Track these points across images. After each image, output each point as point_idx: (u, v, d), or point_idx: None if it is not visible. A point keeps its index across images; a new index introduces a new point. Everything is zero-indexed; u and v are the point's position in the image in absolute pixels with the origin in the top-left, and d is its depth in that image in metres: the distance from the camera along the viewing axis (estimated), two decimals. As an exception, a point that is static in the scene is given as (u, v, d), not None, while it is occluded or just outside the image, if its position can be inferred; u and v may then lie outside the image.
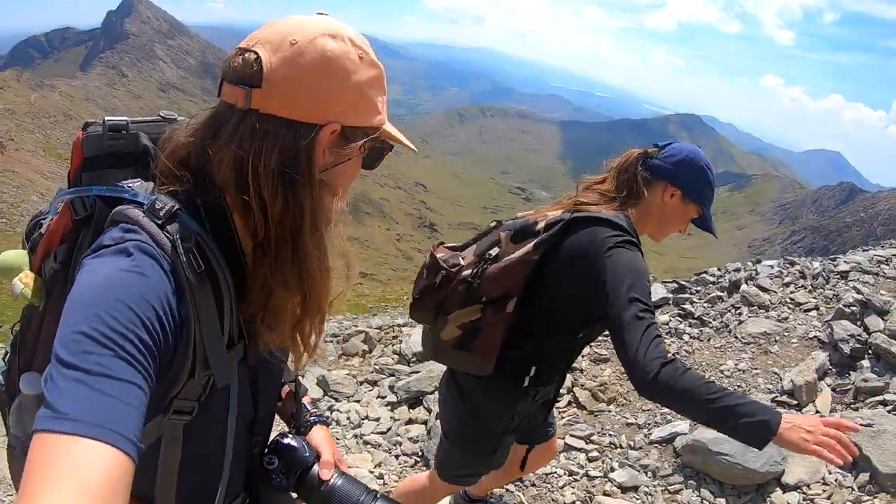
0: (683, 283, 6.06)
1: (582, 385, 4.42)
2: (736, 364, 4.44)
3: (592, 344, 4.74)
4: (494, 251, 1.91)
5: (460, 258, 1.96)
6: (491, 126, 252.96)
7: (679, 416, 3.83)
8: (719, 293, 5.54)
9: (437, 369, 4.44)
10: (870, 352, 4.20)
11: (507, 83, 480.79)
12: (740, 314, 5.12)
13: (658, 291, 5.74)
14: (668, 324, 5.16)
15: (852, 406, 3.85)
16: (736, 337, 4.76)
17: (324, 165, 0.91)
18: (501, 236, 1.92)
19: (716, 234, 1.99)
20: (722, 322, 5.08)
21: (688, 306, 5.41)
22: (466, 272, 1.91)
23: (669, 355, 1.51)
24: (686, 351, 4.73)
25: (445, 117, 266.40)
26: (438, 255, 2.00)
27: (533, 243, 1.81)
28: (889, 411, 3.62)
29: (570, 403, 4.27)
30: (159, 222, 0.83)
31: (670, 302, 5.60)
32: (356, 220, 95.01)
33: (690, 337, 4.92)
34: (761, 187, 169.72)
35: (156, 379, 0.75)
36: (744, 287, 5.48)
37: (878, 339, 4.15)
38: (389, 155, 1.05)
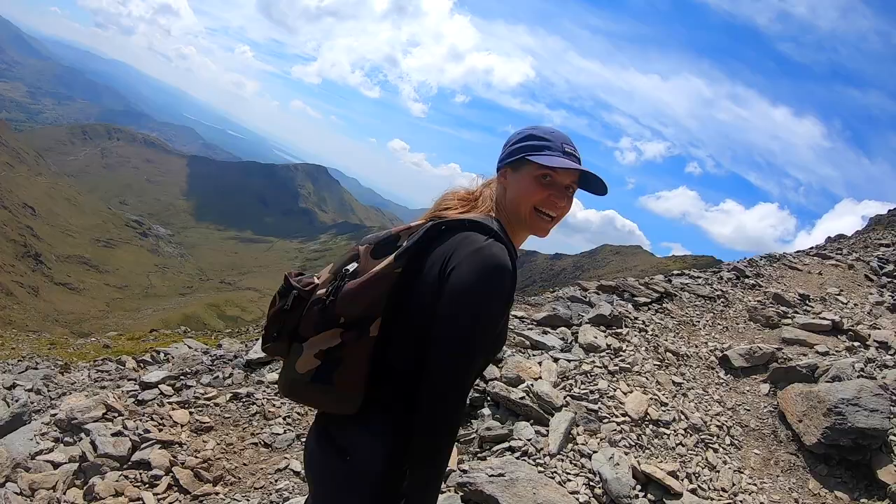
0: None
1: (183, 463, 3.55)
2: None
3: (192, 409, 3.90)
4: (352, 266, 1.67)
5: (315, 277, 1.75)
6: (116, 150, 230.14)
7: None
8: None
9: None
10: (489, 400, 4.22)
11: (141, 106, 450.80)
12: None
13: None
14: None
15: (479, 456, 3.73)
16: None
17: None
18: (360, 250, 1.69)
19: (580, 167, 1.66)
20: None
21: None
22: (321, 291, 1.67)
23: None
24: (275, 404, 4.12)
25: (68, 132, 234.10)
26: (292, 279, 1.75)
27: (394, 254, 1.60)
28: (518, 458, 3.56)
29: (169, 487, 3.42)
30: None
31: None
32: (-57, 243, 76.51)
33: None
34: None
35: None
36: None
37: (496, 388, 4.19)
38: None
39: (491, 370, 4.46)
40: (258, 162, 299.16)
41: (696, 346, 5.96)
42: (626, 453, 3.80)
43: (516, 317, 5.91)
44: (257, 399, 4.40)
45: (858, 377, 4.98)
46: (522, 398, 4.07)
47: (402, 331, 1.58)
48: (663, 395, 4.74)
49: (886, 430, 4.14)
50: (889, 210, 22.10)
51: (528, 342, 5.12)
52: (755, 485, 4.02)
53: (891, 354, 5.85)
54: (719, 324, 6.71)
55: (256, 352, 5.11)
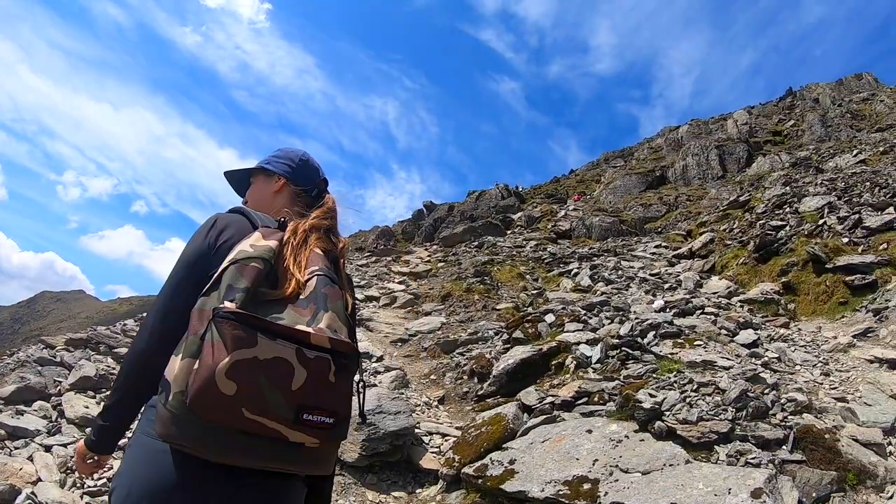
0: None
1: None
2: None
3: None
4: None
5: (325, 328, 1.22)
6: None
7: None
8: None
9: None
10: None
11: None
12: None
13: None
14: None
15: None
16: None
17: None
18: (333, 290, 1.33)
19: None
20: None
21: None
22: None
23: None
24: None
25: None
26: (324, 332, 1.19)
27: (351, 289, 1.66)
28: None
29: None
30: None
31: None
32: None
33: None
34: None
35: None
36: None
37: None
38: None
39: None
40: None
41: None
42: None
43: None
44: None
45: (371, 387, 5.35)
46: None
47: None
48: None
49: (412, 425, 4.54)
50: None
51: (2, 431, 3.54)
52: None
53: (375, 362, 6.58)
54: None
55: None
